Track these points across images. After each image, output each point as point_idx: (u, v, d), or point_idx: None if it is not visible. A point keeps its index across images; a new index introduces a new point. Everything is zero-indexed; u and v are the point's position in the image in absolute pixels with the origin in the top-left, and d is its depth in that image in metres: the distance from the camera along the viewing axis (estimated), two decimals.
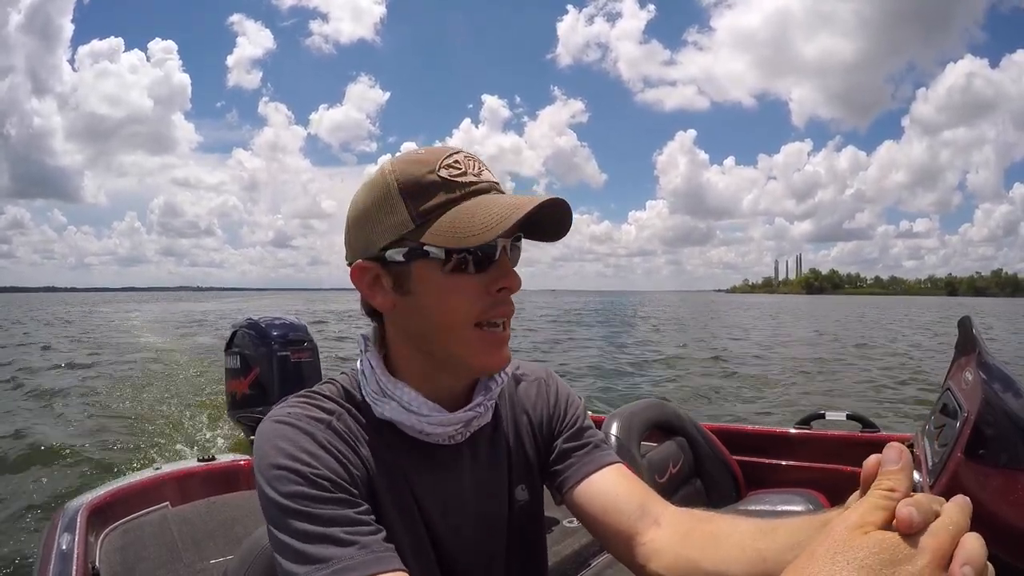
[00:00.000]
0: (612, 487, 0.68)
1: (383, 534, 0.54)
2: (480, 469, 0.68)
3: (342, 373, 0.68)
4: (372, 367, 0.64)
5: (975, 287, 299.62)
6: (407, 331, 0.63)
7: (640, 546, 0.63)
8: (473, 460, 0.67)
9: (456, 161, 0.59)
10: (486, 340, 0.60)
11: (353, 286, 0.63)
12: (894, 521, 0.32)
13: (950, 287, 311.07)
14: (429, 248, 0.57)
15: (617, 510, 0.66)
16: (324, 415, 0.60)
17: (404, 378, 0.64)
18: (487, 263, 0.59)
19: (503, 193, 0.60)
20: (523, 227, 0.60)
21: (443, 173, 0.58)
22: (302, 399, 0.62)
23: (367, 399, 0.63)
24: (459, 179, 0.58)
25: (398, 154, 0.63)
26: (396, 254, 0.59)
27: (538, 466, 0.74)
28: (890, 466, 0.35)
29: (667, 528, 0.63)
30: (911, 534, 0.31)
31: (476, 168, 0.60)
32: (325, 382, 0.67)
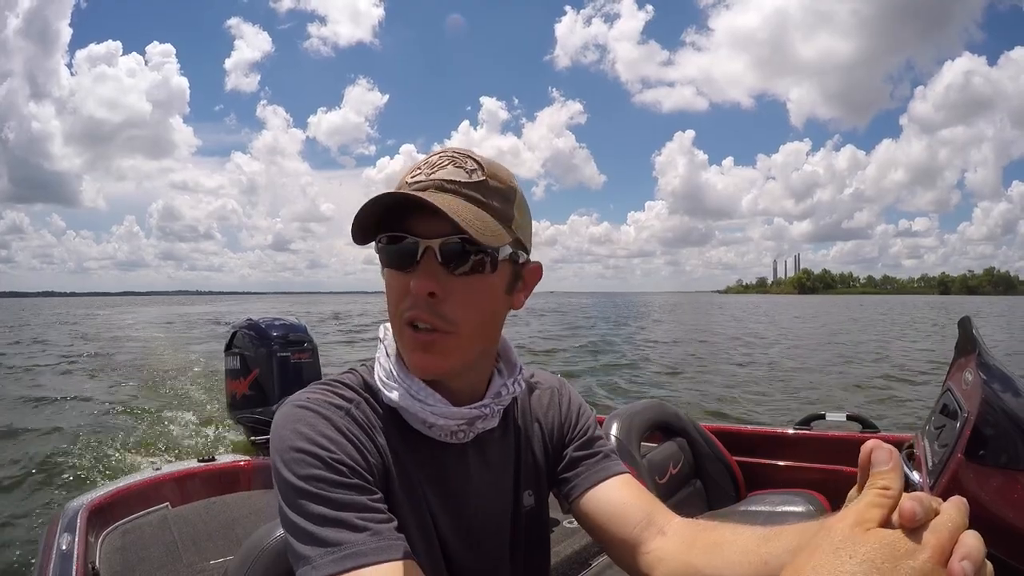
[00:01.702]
0: (619, 496, 0.69)
1: (395, 523, 0.55)
2: (486, 471, 0.68)
3: (362, 364, 0.69)
4: (388, 355, 0.66)
5: (967, 285, 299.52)
6: None
7: (644, 555, 0.64)
8: (480, 462, 0.68)
9: (427, 162, 0.62)
10: (410, 340, 0.61)
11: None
12: (894, 516, 0.33)
13: (943, 286, 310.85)
14: (374, 243, 0.62)
15: (623, 519, 0.67)
16: (343, 402, 0.61)
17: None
18: (410, 262, 0.59)
19: (443, 192, 0.59)
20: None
21: (409, 176, 0.61)
22: (323, 386, 0.64)
23: (378, 384, 0.64)
24: (409, 178, 0.60)
25: None
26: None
27: (546, 473, 0.74)
28: (881, 467, 0.36)
29: (672, 537, 0.64)
30: (913, 529, 0.32)
31: (435, 167, 0.60)
32: (346, 372, 0.68)
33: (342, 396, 0.62)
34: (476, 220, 0.57)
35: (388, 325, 0.69)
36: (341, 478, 0.54)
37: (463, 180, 0.60)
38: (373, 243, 0.62)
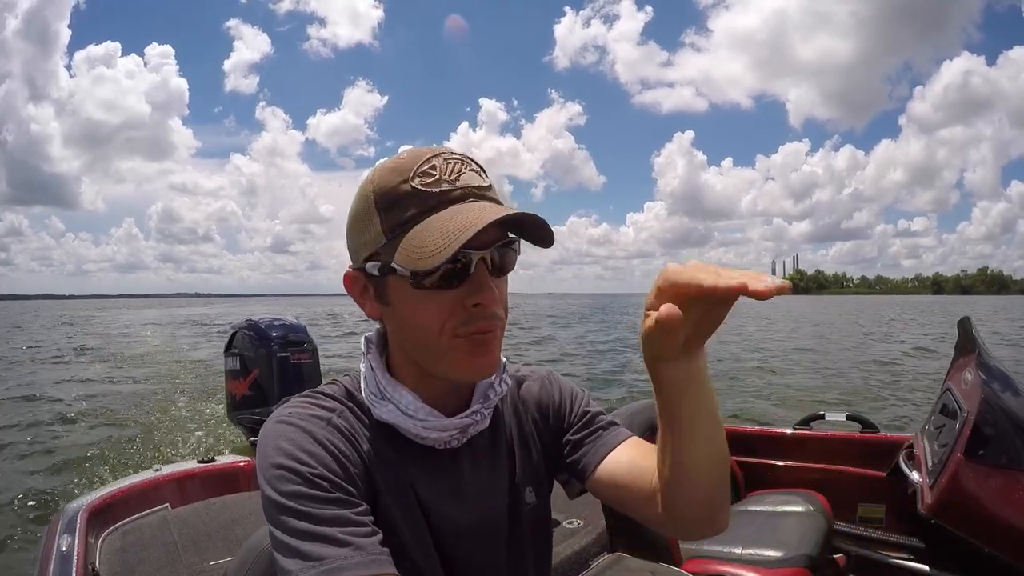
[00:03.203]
0: (629, 458, 0.67)
1: (379, 536, 0.54)
2: (480, 472, 0.67)
3: (344, 375, 0.68)
4: (373, 369, 0.64)
5: (961, 285, 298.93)
6: (396, 338, 0.64)
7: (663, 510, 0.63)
8: (472, 463, 0.67)
9: (432, 167, 0.57)
10: (465, 350, 0.59)
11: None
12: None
13: (936, 286, 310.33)
14: (396, 266, 0.57)
15: (638, 480, 0.65)
16: (325, 412, 0.60)
17: (403, 381, 0.64)
18: (461, 277, 0.57)
19: (479, 200, 0.57)
20: (513, 228, 0.60)
21: (416, 183, 0.56)
22: (305, 398, 0.63)
23: (367, 401, 0.63)
24: (430, 188, 0.56)
25: (383, 160, 0.62)
26: (373, 268, 0.59)
27: (545, 467, 0.73)
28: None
29: None
30: None
31: (452, 173, 0.57)
32: (328, 382, 0.67)
33: (323, 407, 0.61)
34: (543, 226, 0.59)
35: (370, 337, 0.67)
36: (323, 493, 0.53)
37: (486, 184, 0.59)
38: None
